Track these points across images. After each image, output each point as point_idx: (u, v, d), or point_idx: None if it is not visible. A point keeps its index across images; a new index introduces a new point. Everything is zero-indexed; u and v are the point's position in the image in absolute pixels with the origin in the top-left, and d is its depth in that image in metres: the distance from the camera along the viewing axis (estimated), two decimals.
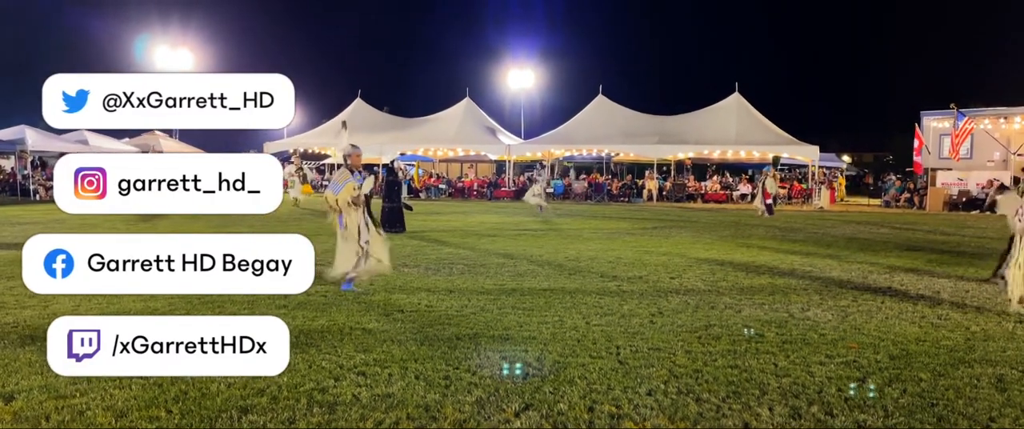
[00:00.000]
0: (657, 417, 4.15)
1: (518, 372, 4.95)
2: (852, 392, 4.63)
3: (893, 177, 35.32)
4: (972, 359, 5.45)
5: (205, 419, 4.00)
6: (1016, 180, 7.36)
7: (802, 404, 4.39)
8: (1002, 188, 8.10)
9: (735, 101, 34.07)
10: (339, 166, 8.16)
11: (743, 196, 32.06)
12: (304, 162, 24.14)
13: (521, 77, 43.95)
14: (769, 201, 23.09)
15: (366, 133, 37.71)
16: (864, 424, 4.11)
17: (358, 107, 40.49)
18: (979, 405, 4.44)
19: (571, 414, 4.16)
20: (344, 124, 9.11)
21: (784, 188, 32.27)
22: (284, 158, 41.39)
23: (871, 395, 4.58)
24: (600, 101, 36.74)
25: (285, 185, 35.70)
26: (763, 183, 23.52)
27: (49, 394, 4.34)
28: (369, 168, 8.76)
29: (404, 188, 15.86)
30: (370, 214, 8.05)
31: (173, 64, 41.92)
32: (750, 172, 37.09)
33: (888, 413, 4.27)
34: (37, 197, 26.75)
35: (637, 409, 4.26)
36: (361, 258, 7.84)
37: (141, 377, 4.67)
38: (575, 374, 4.90)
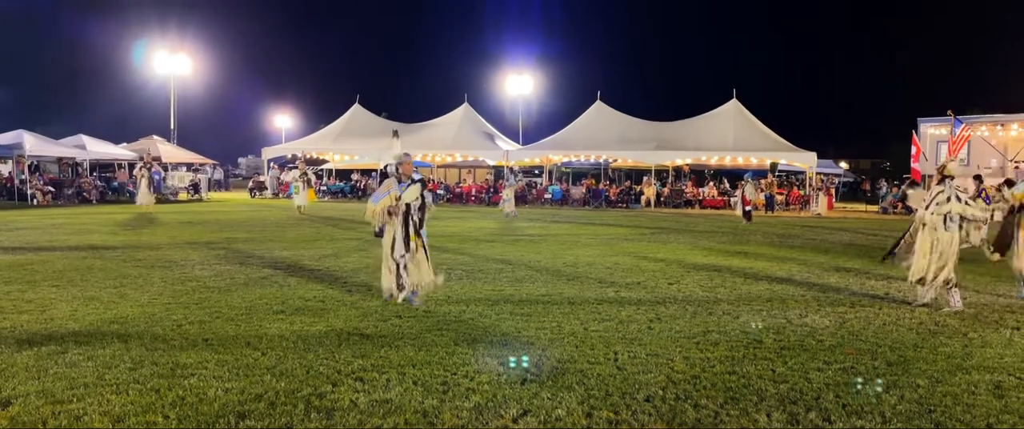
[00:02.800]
0: (655, 423, 4.15)
1: (516, 377, 4.94)
2: (850, 398, 4.63)
3: (886, 184, 35.32)
4: (970, 366, 5.46)
5: (202, 424, 3.99)
6: (942, 179, 7.93)
7: (800, 410, 4.39)
8: (912, 184, 8.86)
9: (733, 107, 34.11)
10: (394, 174, 7.71)
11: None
12: (309, 167, 23.68)
13: (519, 83, 44.02)
14: (748, 207, 23.20)
15: (364, 138, 37.78)
16: None
17: (356, 112, 40.54)
18: (977, 412, 4.44)
19: (569, 420, 4.16)
20: (395, 134, 8.67)
21: (781, 194, 32.28)
22: (282, 163, 41.47)
23: (869, 401, 4.58)
24: (598, 107, 36.79)
25: (285, 188, 35.73)
26: (743, 189, 23.66)
27: (46, 399, 4.32)
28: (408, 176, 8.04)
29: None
30: (414, 225, 7.48)
31: (172, 69, 41.91)
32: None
33: (886, 419, 4.27)
34: (34, 202, 26.68)
35: (635, 415, 4.26)
36: (399, 273, 7.40)
37: (138, 382, 4.67)
38: (573, 380, 4.89)
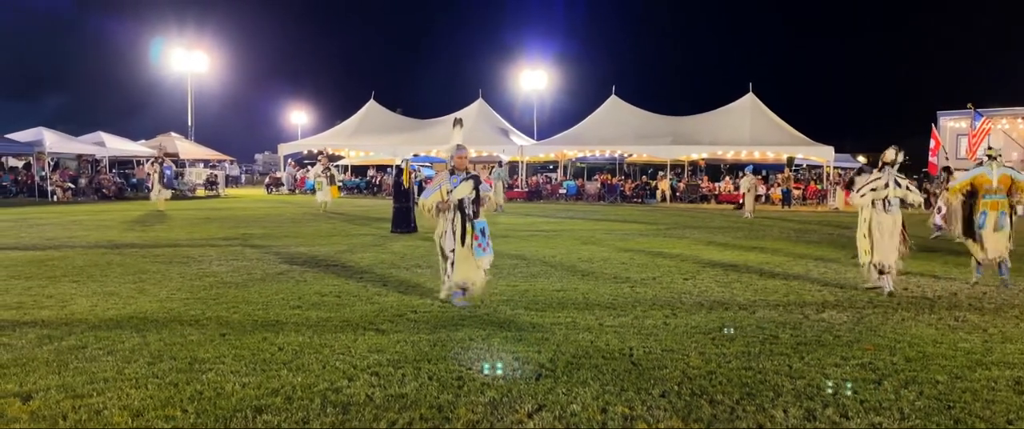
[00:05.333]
0: (670, 419, 4.13)
1: (530, 373, 4.94)
2: (868, 394, 4.59)
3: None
4: (990, 361, 5.40)
5: (220, 419, 4.02)
6: (882, 166, 8.57)
7: (817, 406, 4.36)
8: (860, 171, 9.54)
9: (749, 101, 33.89)
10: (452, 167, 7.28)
11: (757, 197, 31.90)
12: (331, 163, 23.43)
13: (534, 78, 43.95)
14: (741, 200, 23.26)
15: (379, 135, 37.90)
16: (880, 426, 4.07)
17: (371, 108, 40.65)
18: (997, 408, 4.39)
19: (584, 415, 4.16)
20: (457, 122, 8.03)
21: (798, 189, 32.04)
22: (299, 159, 41.69)
23: (888, 397, 4.54)
24: (613, 102, 36.67)
25: (300, 184, 35.85)
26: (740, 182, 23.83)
27: (66, 393, 4.38)
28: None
29: (415, 189, 15.88)
30: (468, 219, 7.08)
31: (189, 66, 42.21)
32: (764, 172, 36.87)
33: (904, 415, 4.23)
34: (54, 198, 27.00)
35: (650, 411, 4.25)
36: (445, 270, 7.11)
37: (157, 377, 4.72)
38: (588, 375, 4.89)
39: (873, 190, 8.36)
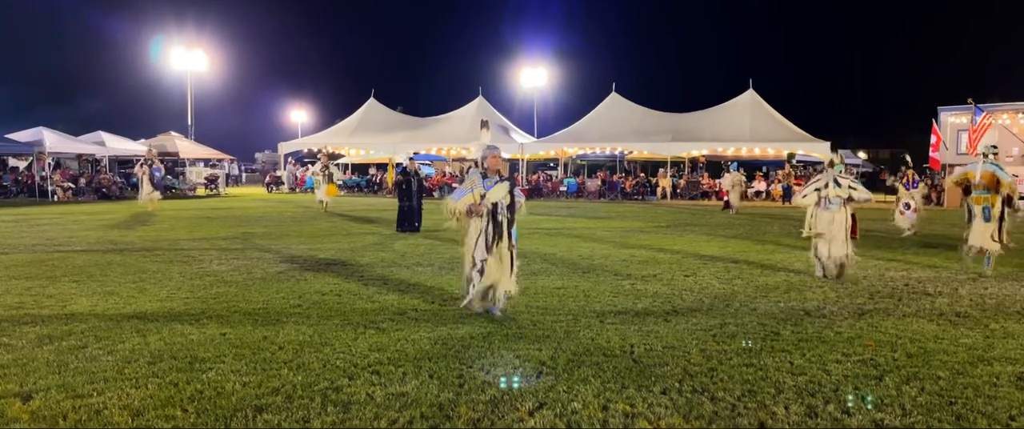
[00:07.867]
0: (671, 416, 4.13)
1: (531, 371, 4.93)
2: (869, 391, 4.58)
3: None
4: (991, 357, 5.39)
5: (220, 418, 4.01)
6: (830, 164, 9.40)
7: (818, 403, 4.35)
8: (819, 172, 10.74)
9: (749, 98, 33.86)
10: (473, 168, 6.76)
11: (757, 193, 31.92)
12: (330, 161, 23.26)
13: (534, 75, 43.93)
14: (725, 198, 23.36)
15: (379, 133, 37.89)
16: (881, 423, 4.06)
17: (371, 107, 40.66)
18: (999, 403, 4.38)
19: (585, 413, 4.15)
20: (484, 124, 7.60)
21: (799, 184, 32.03)
22: (299, 158, 41.71)
23: (889, 393, 4.53)
24: (613, 99, 36.65)
25: (300, 182, 35.85)
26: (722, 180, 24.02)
27: (66, 393, 4.37)
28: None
29: (413, 185, 15.84)
30: (499, 227, 6.53)
31: (189, 65, 42.20)
32: (764, 169, 36.84)
33: (906, 412, 4.22)
34: (55, 198, 27.01)
35: (651, 408, 4.24)
36: (472, 280, 6.57)
37: (157, 376, 4.71)
38: (589, 373, 4.88)
39: (817, 190, 9.09)
